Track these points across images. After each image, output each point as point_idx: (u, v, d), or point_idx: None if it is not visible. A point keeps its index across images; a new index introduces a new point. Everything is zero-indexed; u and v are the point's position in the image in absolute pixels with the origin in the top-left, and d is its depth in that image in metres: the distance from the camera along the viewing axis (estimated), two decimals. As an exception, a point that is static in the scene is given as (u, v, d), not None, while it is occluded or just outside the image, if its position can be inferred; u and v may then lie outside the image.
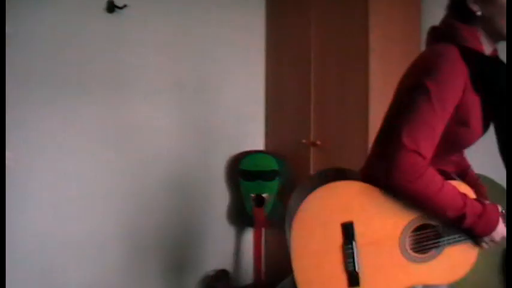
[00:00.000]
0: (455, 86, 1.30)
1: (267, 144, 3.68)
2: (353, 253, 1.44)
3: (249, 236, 3.56)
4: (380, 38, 2.88)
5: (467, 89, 1.32)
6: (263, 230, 3.44)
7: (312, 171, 3.24)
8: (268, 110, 3.68)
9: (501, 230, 1.40)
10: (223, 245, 3.52)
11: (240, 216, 3.48)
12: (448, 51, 1.33)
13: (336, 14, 3.05)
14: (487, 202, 1.41)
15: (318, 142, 3.19)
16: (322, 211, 1.45)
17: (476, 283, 2.23)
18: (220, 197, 3.49)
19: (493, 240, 1.43)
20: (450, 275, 1.51)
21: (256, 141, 3.65)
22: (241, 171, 3.39)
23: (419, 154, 1.29)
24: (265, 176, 3.38)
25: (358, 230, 1.44)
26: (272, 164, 3.39)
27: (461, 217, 1.36)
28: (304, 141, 3.26)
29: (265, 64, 3.69)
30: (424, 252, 1.49)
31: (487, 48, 1.42)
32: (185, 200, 3.33)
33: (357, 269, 1.45)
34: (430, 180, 1.32)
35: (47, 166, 2.78)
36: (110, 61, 2.98)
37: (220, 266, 3.44)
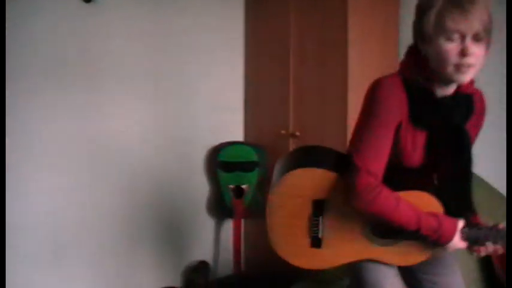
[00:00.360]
0: (392, 112, 1.46)
1: (246, 135, 3.67)
2: (318, 223, 1.65)
3: (228, 227, 3.56)
4: (359, 30, 2.88)
5: (404, 116, 1.48)
6: (242, 221, 3.44)
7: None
8: (247, 100, 3.67)
9: (456, 243, 1.50)
10: (202, 237, 3.51)
11: (219, 207, 3.47)
12: (388, 81, 1.50)
13: (316, 5, 3.04)
14: (447, 218, 1.51)
15: (297, 133, 3.19)
16: (297, 187, 1.65)
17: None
18: (199, 189, 3.48)
19: (447, 249, 1.54)
20: (402, 260, 1.66)
21: (235, 132, 3.64)
22: (220, 162, 3.38)
23: (370, 174, 1.47)
24: (244, 167, 3.38)
25: (328, 207, 1.64)
26: (251, 155, 3.39)
27: (417, 231, 1.49)
28: (283, 132, 3.27)
29: (244, 55, 3.67)
30: (383, 237, 1.64)
31: (439, 86, 1.50)
32: (164, 192, 3.31)
33: (320, 235, 1.66)
34: (385, 200, 1.47)
35: (25, 159, 2.74)
36: (87, 51, 2.94)
37: (200, 258, 3.44)
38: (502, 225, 1.53)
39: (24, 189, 2.75)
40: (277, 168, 1.83)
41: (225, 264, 3.54)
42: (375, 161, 1.48)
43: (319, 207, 1.65)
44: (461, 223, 1.52)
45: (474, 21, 1.36)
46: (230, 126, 3.63)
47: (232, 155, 3.40)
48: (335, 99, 2.94)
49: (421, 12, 1.46)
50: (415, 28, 1.51)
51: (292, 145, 3.24)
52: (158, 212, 3.28)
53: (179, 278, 3.40)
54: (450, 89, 1.51)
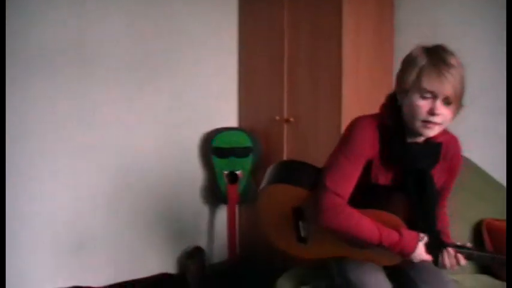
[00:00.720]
0: (364, 149, 1.67)
1: (240, 121, 3.66)
2: (299, 228, 1.84)
3: (223, 213, 3.56)
4: (353, 16, 2.88)
5: (375, 154, 1.68)
6: (237, 206, 3.44)
7: (285, 148, 3.25)
8: (241, 86, 3.65)
9: (419, 254, 1.65)
10: (197, 223, 3.52)
11: (214, 193, 3.47)
12: (364, 122, 1.70)
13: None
14: (408, 232, 1.65)
15: (291, 119, 3.19)
16: (279, 197, 1.86)
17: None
18: (193, 175, 3.48)
19: (413, 261, 1.67)
20: (380, 261, 1.77)
21: (229, 118, 3.63)
22: (214, 148, 3.37)
23: (338, 195, 1.65)
24: (238, 152, 3.37)
25: (305, 213, 1.81)
26: (245, 141, 3.38)
27: (380, 244, 1.64)
28: (277, 118, 3.26)
29: (238, 40, 3.64)
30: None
31: (410, 133, 1.67)
32: (158, 179, 3.30)
33: (303, 235, 1.84)
34: (348, 217, 1.64)
35: (16, 145, 2.72)
36: (79, 39, 2.92)
37: (195, 244, 3.44)
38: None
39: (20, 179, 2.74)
40: (265, 176, 1.98)
41: (220, 250, 3.55)
42: (343, 185, 1.67)
43: (298, 213, 1.83)
44: (423, 236, 1.67)
45: (447, 86, 1.55)
46: (224, 112, 3.61)
47: (226, 140, 3.39)
48: (329, 85, 2.94)
49: (405, 67, 1.65)
50: (397, 79, 1.69)
51: (286, 131, 3.24)
52: (153, 198, 3.28)
53: (174, 264, 3.41)
54: (421, 137, 1.68)
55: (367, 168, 1.70)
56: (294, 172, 1.93)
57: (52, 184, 2.89)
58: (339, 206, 1.65)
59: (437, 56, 1.58)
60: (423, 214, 1.72)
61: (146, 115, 3.23)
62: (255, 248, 3.30)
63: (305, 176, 1.85)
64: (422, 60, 1.59)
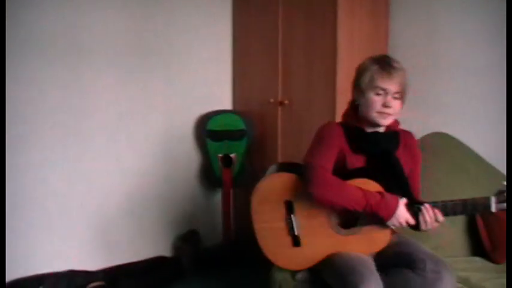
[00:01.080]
0: (333, 140, 2.00)
1: (234, 104, 3.65)
2: (292, 222, 2.00)
3: (217, 196, 3.56)
4: (349, 1, 2.86)
5: (344, 146, 2.00)
6: (231, 190, 3.44)
7: (279, 131, 3.24)
8: (236, 69, 3.63)
9: (401, 213, 1.87)
10: (192, 206, 3.52)
11: (208, 176, 3.47)
12: (329, 123, 2.11)
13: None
14: (389, 194, 1.89)
15: (286, 101, 3.17)
16: (270, 191, 2.04)
17: (441, 246, 2.30)
18: (188, 158, 3.47)
19: (399, 222, 1.88)
20: (368, 248, 1.97)
21: (223, 101, 3.61)
22: (208, 131, 3.36)
23: (324, 168, 1.92)
24: (233, 136, 3.36)
25: (296, 206, 2.00)
26: (239, 124, 3.37)
27: (366, 205, 1.85)
28: (271, 100, 3.24)
29: (233, 24, 3.61)
30: (348, 228, 1.98)
31: (368, 126, 2.01)
32: (153, 163, 3.29)
33: (296, 233, 2.00)
34: (336, 185, 1.89)
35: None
36: (73, 26, 2.89)
37: (190, 227, 3.45)
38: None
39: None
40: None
41: (215, 233, 3.56)
42: (326, 163, 1.94)
43: (290, 207, 2.01)
44: (403, 199, 1.90)
45: (395, 83, 1.93)
46: (218, 95, 3.59)
47: (220, 123, 3.38)
48: (323, 68, 2.92)
49: (359, 73, 2.01)
50: (353, 85, 2.06)
51: (280, 113, 3.22)
52: (147, 183, 3.27)
53: (169, 248, 3.41)
54: (381, 128, 2.03)
55: (343, 160, 1.99)
56: (285, 166, 2.17)
57: (44, 171, 2.87)
58: (328, 177, 1.90)
59: (384, 62, 1.96)
60: (397, 183, 1.97)
61: (139, 101, 3.21)
62: (250, 232, 3.30)
63: (295, 167, 2.07)
64: (374, 66, 1.96)
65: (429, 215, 1.87)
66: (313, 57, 2.99)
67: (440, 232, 2.08)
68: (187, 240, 3.37)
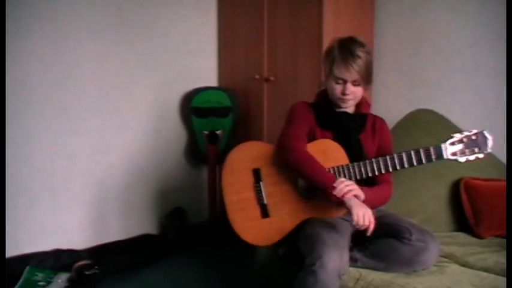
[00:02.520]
0: (303, 116, 2.11)
1: (219, 80, 3.61)
2: (261, 190, 2.06)
3: (204, 173, 3.55)
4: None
5: (314, 124, 2.10)
6: (217, 167, 3.43)
7: (265, 107, 3.23)
8: (221, 45, 3.58)
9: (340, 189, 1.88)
10: (178, 183, 3.50)
11: (194, 153, 3.45)
12: (298, 102, 2.19)
13: None
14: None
15: (272, 78, 3.15)
16: (240, 160, 2.11)
17: (425, 221, 2.32)
18: (173, 135, 3.44)
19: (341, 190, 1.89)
20: (335, 210, 2.00)
21: (208, 77, 3.57)
22: (194, 108, 3.33)
23: (297, 137, 2.04)
24: (218, 112, 3.33)
25: (264, 173, 2.07)
26: (225, 101, 3.34)
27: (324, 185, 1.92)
28: (257, 76, 3.22)
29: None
30: (314, 191, 2.02)
31: (337, 106, 2.10)
32: (137, 140, 3.27)
33: (265, 201, 2.06)
34: (308, 157, 1.99)
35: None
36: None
37: (176, 205, 3.44)
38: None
39: None
40: None
41: (201, 210, 3.56)
42: (299, 136, 2.05)
43: (257, 175, 2.07)
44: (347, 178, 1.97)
45: (353, 73, 1.98)
46: (204, 71, 3.54)
47: (205, 100, 3.34)
48: (309, 43, 2.90)
49: (324, 58, 2.10)
50: (323, 68, 2.15)
51: (266, 89, 3.20)
52: (132, 160, 3.25)
53: (155, 225, 3.41)
54: (350, 109, 2.12)
55: (314, 136, 2.09)
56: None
57: (28, 146, 2.83)
58: (302, 148, 2.02)
59: (346, 49, 2.00)
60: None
61: (122, 75, 3.15)
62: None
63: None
64: (335, 52, 2.02)
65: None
66: (298, 32, 2.97)
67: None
68: (174, 217, 3.37)
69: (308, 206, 2.04)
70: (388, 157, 1.97)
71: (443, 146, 1.93)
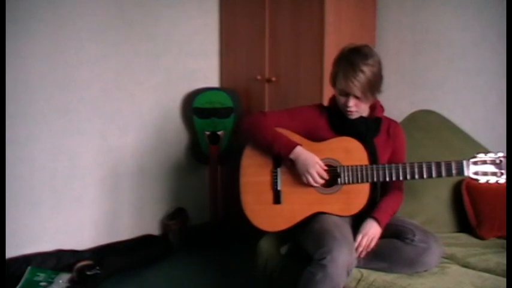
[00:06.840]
0: (305, 112, 2.17)
1: (221, 81, 3.61)
2: (277, 176, 2.07)
3: (205, 173, 3.55)
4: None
5: (324, 126, 2.12)
6: (218, 167, 3.43)
7: (266, 108, 3.22)
8: (223, 46, 3.58)
9: (305, 157, 1.99)
10: (179, 184, 3.51)
11: (196, 154, 3.45)
12: (310, 106, 2.22)
13: None
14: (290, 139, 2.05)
15: (273, 78, 3.15)
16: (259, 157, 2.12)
17: (428, 220, 2.31)
18: (175, 136, 3.44)
19: (308, 172, 1.98)
20: (344, 208, 2.02)
21: (210, 78, 3.57)
22: (195, 109, 3.33)
23: (264, 115, 2.15)
24: (220, 113, 3.34)
25: (284, 162, 2.07)
26: (227, 101, 3.34)
27: (273, 144, 2.03)
28: (259, 77, 3.22)
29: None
30: (329, 186, 2.03)
31: (343, 107, 2.07)
32: (139, 140, 3.26)
33: (279, 188, 2.06)
34: (263, 123, 2.09)
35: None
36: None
37: (177, 205, 3.44)
38: None
39: None
40: None
41: (203, 211, 3.56)
42: (273, 116, 2.14)
43: (278, 161, 2.08)
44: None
45: (354, 89, 1.97)
46: (205, 72, 3.54)
47: (207, 101, 3.35)
48: (311, 44, 2.90)
49: (333, 66, 2.08)
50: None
51: (267, 90, 3.20)
52: (134, 160, 3.25)
53: (157, 225, 3.41)
54: (364, 113, 2.10)
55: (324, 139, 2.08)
56: None
57: (29, 147, 2.83)
58: (261, 117, 2.12)
59: (349, 63, 1.97)
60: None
61: (124, 75, 3.16)
62: (237, 209, 3.30)
63: None
64: (341, 64, 2.01)
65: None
66: (300, 33, 2.97)
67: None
68: (175, 218, 3.37)
69: (322, 200, 2.02)
70: (408, 165, 1.97)
71: (465, 163, 1.92)
